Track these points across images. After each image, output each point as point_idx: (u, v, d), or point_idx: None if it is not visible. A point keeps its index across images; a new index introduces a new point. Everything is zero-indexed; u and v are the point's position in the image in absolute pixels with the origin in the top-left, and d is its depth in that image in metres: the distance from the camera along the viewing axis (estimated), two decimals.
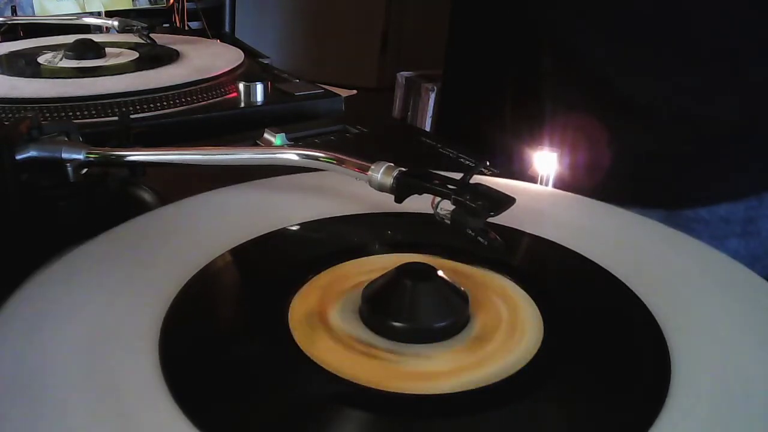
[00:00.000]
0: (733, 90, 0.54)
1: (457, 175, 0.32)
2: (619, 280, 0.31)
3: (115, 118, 0.51)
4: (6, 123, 0.39)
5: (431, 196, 0.32)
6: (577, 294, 0.31)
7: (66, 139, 0.40)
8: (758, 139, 0.55)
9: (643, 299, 0.30)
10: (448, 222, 0.31)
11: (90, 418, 0.22)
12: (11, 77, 0.61)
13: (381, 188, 0.34)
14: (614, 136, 0.57)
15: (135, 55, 0.71)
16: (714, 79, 0.54)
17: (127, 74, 0.63)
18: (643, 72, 0.57)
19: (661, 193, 0.59)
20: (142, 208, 0.39)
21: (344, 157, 0.36)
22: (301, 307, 0.29)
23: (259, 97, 0.61)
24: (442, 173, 0.32)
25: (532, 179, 0.45)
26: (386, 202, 0.34)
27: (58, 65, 0.66)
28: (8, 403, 0.23)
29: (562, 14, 0.61)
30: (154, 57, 0.69)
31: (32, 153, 0.38)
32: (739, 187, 0.56)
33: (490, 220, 0.30)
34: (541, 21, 0.66)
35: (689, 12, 0.53)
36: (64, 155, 0.38)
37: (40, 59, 0.68)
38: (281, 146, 0.50)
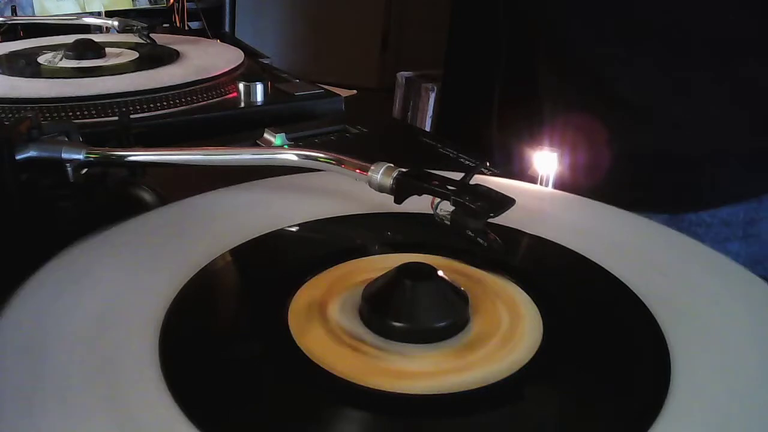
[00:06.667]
0: (732, 90, 0.54)
1: (458, 175, 0.32)
2: (620, 281, 0.31)
3: (115, 118, 0.51)
4: (6, 123, 0.39)
5: (431, 197, 0.32)
6: (577, 294, 0.31)
7: (66, 139, 0.40)
8: (758, 140, 0.55)
9: (643, 300, 0.30)
10: (448, 223, 0.31)
11: (90, 418, 0.22)
12: (11, 77, 0.61)
13: (381, 189, 0.34)
14: (615, 137, 0.57)
15: (135, 55, 0.71)
16: (713, 79, 0.54)
17: (127, 74, 0.63)
18: (643, 72, 0.57)
19: (663, 198, 0.59)
20: (142, 208, 0.39)
21: (344, 158, 0.36)
22: (300, 306, 0.29)
23: (259, 97, 0.61)
24: (442, 173, 0.32)
25: (532, 179, 0.45)
26: (386, 203, 0.34)
27: (58, 65, 0.66)
28: (10, 403, 0.23)
29: (560, 14, 0.61)
30: (154, 57, 0.69)
31: (32, 153, 0.37)
32: (740, 189, 0.56)
33: (490, 220, 0.30)
34: (539, 20, 0.66)
35: (687, 9, 0.53)
36: (64, 155, 0.38)
37: (40, 59, 0.67)
38: (281, 146, 0.50)
